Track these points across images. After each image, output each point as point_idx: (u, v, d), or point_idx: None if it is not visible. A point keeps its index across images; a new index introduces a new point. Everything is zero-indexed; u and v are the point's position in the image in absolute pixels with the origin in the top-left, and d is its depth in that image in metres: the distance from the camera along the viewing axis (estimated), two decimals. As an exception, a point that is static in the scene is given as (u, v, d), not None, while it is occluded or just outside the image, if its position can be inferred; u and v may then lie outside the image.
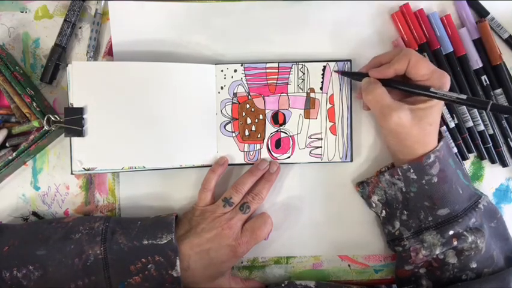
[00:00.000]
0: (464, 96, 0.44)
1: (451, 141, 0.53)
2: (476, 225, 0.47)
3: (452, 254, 0.47)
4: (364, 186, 0.52)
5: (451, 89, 0.52)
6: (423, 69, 0.46)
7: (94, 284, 0.45)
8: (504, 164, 0.55)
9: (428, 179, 0.47)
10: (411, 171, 0.47)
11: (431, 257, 0.48)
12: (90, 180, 0.53)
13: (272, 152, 0.53)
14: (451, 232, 0.47)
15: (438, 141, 0.48)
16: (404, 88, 0.47)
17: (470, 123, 0.53)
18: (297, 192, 0.54)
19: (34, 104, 0.48)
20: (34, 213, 0.53)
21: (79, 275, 0.45)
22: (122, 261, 0.45)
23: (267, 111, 0.52)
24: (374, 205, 0.52)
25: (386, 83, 0.48)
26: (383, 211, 0.51)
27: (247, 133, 0.52)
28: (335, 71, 0.52)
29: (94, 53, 0.52)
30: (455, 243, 0.47)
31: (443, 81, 0.46)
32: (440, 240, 0.47)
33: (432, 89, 0.45)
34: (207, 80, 0.51)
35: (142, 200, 0.53)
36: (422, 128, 0.46)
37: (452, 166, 0.48)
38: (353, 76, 0.52)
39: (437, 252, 0.47)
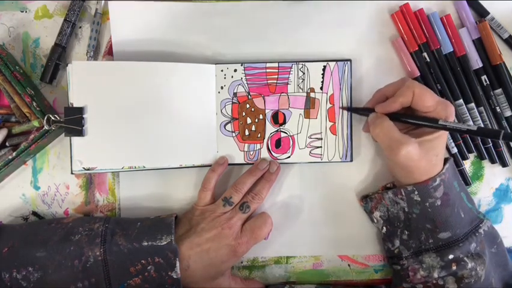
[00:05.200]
0: (474, 128, 0.44)
1: (451, 141, 0.53)
2: (478, 250, 0.47)
3: (452, 281, 0.47)
4: (367, 201, 0.52)
5: (452, 94, 0.53)
6: (428, 100, 0.45)
7: (93, 285, 0.45)
8: (504, 164, 0.55)
9: (432, 201, 0.46)
10: (416, 193, 0.47)
11: (429, 279, 0.47)
12: (90, 180, 0.53)
13: (272, 152, 0.53)
14: (451, 256, 0.46)
15: (444, 163, 0.48)
16: (413, 122, 0.47)
17: (470, 123, 0.53)
18: (297, 192, 0.54)
19: (34, 103, 0.48)
20: (34, 213, 0.53)
21: (79, 277, 0.45)
22: (122, 262, 0.45)
23: (267, 111, 0.52)
24: (375, 221, 0.52)
25: (394, 117, 0.47)
26: (384, 228, 0.51)
27: (247, 133, 0.52)
28: (340, 108, 0.52)
29: (94, 52, 0.52)
30: (454, 268, 0.46)
31: (449, 111, 0.46)
32: (440, 263, 0.47)
33: (441, 121, 0.45)
34: (207, 80, 0.51)
35: (142, 200, 0.53)
36: (429, 159, 0.46)
37: (457, 189, 0.48)
38: (359, 112, 0.51)
39: (436, 275, 0.47)
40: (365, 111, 0.50)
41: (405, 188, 0.47)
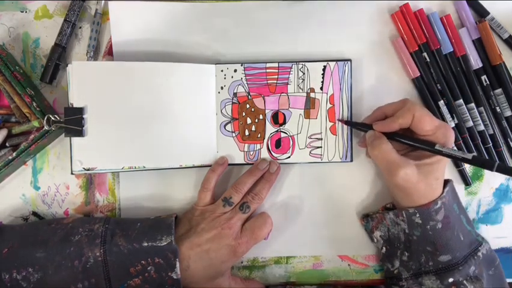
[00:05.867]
0: (469, 156, 0.43)
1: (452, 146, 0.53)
2: (476, 274, 0.47)
3: None
4: (368, 221, 0.52)
5: (452, 94, 0.53)
6: (428, 124, 0.45)
7: (93, 286, 0.45)
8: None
9: (433, 224, 0.46)
10: (417, 215, 0.46)
11: None
12: (90, 180, 0.53)
13: (272, 152, 0.53)
14: (451, 280, 0.46)
15: (444, 185, 0.48)
16: (410, 143, 0.47)
17: (470, 123, 0.53)
18: (297, 192, 0.54)
19: (34, 103, 0.48)
20: (34, 213, 0.53)
21: (79, 277, 0.45)
22: (122, 263, 0.45)
23: (267, 111, 0.52)
24: (375, 240, 0.52)
25: (391, 136, 0.47)
26: (384, 248, 0.51)
27: (247, 133, 0.52)
28: (338, 120, 0.52)
29: (94, 53, 0.52)
30: None
31: (448, 136, 0.46)
32: (439, 286, 0.47)
33: (437, 146, 0.45)
34: (207, 80, 0.51)
35: (142, 200, 0.53)
36: (429, 183, 0.46)
37: (456, 211, 0.48)
38: (356, 126, 0.51)
39: None
40: (363, 126, 0.50)
41: (406, 210, 0.47)
